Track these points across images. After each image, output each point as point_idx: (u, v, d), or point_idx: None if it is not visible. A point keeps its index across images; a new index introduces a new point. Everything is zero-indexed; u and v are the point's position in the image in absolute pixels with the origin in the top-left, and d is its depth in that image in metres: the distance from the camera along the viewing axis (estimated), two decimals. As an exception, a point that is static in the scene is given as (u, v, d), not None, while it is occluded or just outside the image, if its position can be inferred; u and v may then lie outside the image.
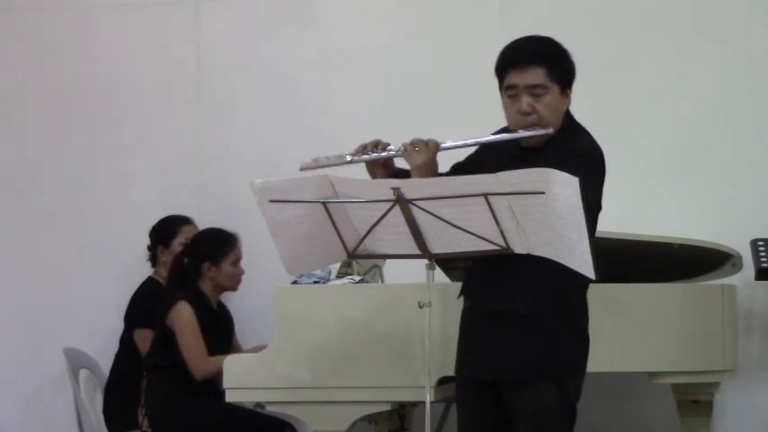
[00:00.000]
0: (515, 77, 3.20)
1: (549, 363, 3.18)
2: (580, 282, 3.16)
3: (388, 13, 5.54)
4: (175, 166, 5.62)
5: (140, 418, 4.77)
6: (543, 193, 2.88)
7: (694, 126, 5.18)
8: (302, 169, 3.31)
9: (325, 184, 3.16)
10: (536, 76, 3.19)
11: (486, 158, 3.30)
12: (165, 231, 5.22)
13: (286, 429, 4.61)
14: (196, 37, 5.68)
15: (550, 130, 3.19)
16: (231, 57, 5.63)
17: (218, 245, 4.79)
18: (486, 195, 2.96)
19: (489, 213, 2.99)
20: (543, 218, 2.94)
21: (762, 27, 5.16)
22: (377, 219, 3.13)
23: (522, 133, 3.22)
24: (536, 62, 3.20)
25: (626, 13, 5.28)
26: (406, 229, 3.11)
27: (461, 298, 3.36)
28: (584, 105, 5.11)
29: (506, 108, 3.26)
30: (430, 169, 3.24)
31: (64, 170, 5.72)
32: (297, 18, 5.58)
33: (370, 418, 4.38)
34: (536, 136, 3.21)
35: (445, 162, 3.37)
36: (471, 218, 3.02)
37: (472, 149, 3.42)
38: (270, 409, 4.20)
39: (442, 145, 3.27)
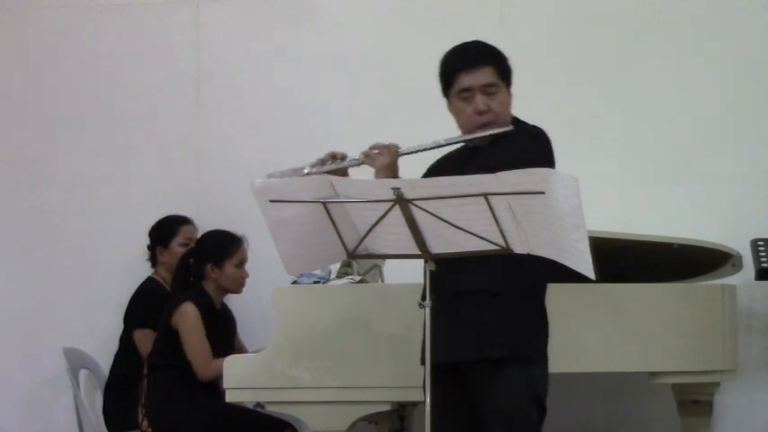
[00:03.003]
0: (468, 79, 3.33)
1: (513, 342, 3.22)
2: (543, 267, 3.20)
3: (387, 14, 5.54)
4: (175, 166, 5.62)
5: (140, 417, 4.77)
6: (543, 193, 2.88)
7: (695, 126, 5.19)
8: (255, 186, 3.26)
9: (325, 184, 3.16)
10: (487, 75, 3.33)
11: (443, 162, 3.45)
12: (163, 232, 5.21)
13: (286, 429, 4.61)
14: (196, 37, 5.68)
15: (510, 128, 3.30)
16: (231, 57, 5.63)
17: (222, 246, 4.78)
18: (486, 195, 2.96)
19: (489, 213, 2.99)
20: (543, 218, 2.94)
21: (763, 27, 5.17)
22: (377, 219, 3.13)
23: (479, 133, 3.33)
24: (485, 62, 3.34)
25: (626, 13, 5.28)
26: (406, 229, 3.11)
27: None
28: (585, 105, 5.16)
29: (460, 111, 3.37)
30: (392, 170, 3.36)
31: (64, 170, 5.72)
32: (296, 18, 5.58)
33: (370, 418, 4.38)
34: (496, 134, 3.29)
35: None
36: (471, 218, 3.02)
37: (434, 156, 3.51)
38: (270, 409, 4.20)
39: (401, 150, 3.37)
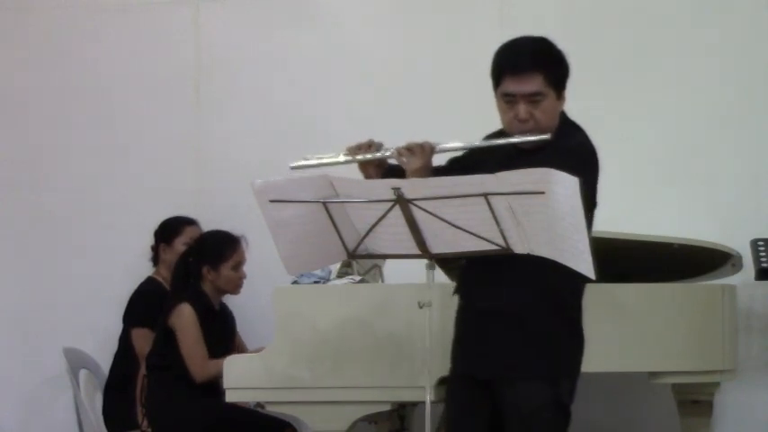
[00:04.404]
0: (513, 86, 3.17)
1: (543, 361, 3.19)
2: (576, 281, 3.16)
3: (387, 13, 5.54)
4: (175, 166, 5.62)
5: (140, 418, 4.77)
6: (543, 193, 2.88)
7: (695, 126, 5.18)
8: (293, 168, 3.31)
9: (326, 184, 3.16)
10: (534, 84, 3.16)
11: (485, 157, 3.29)
12: (168, 230, 5.21)
13: (286, 429, 4.61)
14: (196, 37, 5.68)
15: (548, 136, 3.17)
16: (231, 56, 5.63)
17: (219, 248, 4.77)
18: (486, 195, 2.96)
19: (489, 213, 2.99)
20: (543, 218, 2.94)
21: (762, 27, 5.16)
22: (377, 219, 3.13)
23: (519, 138, 3.20)
24: (534, 69, 3.16)
25: (626, 12, 5.28)
26: (406, 229, 3.11)
27: (456, 296, 3.37)
28: (585, 105, 5.10)
29: (503, 112, 3.24)
30: (426, 173, 3.24)
31: (64, 170, 5.72)
32: (296, 18, 5.58)
33: (370, 418, 4.38)
34: (534, 142, 3.19)
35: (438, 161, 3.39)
36: (471, 218, 3.02)
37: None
38: (270, 409, 4.20)
39: (438, 147, 3.27)
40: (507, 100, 3.20)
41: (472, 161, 3.33)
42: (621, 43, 5.26)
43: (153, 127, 5.66)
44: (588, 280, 3.02)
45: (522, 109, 3.17)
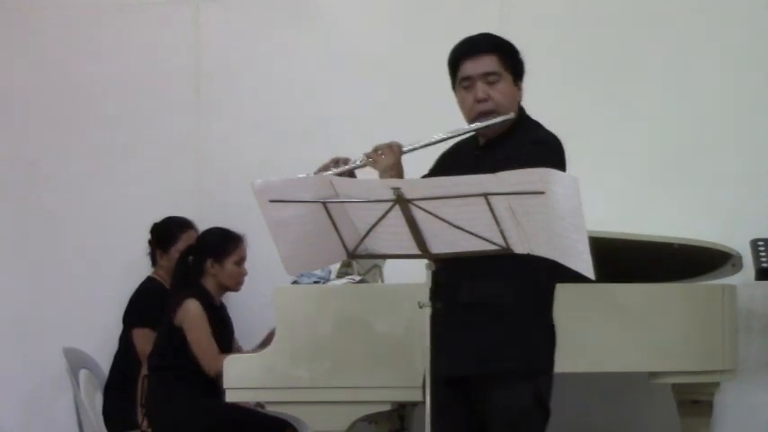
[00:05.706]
0: (470, 68, 3.32)
1: (524, 359, 3.22)
2: (552, 278, 3.23)
3: (387, 14, 5.55)
4: (175, 166, 5.62)
5: (140, 418, 4.77)
6: (543, 192, 2.88)
7: (695, 126, 5.19)
8: (255, 186, 3.27)
9: (325, 184, 3.16)
10: (490, 63, 3.31)
11: (450, 166, 3.36)
12: (165, 235, 5.19)
13: (286, 429, 4.61)
14: (196, 37, 5.68)
15: (511, 115, 3.28)
16: (231, 56, 5.63)
17: (223, 243, 4.79)
18: (486, 195, 2.96)
19: (489, 213, 2.99)
20: (543, 218, 2.94)
21: (763, 26, 5.16)
22: (377, 219, 3.12)
23: (480, 123, 3.30)
24: (489, 50, 3.33)
25: (626, 13, 5.28)
26: (406, 229, 3.11)
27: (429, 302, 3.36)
28: (585, 105, 5.16)
29: (462, 101, 3.36)
30: (397, 171, 3.31)
31: (64, 170, 5.72)
32: (296, 18, 5.58)
33: (370, 418, 4.38)
34: (496, 123, 3.27)
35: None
36: (471, 218, 3.02)
37: (437, 153, 3.48)
38: (270, 409, 4.20)
39: (404, 148, 3.33)
40: (465, 85, 3.33)
41: (439, 172, 3.40)
42: (621, 43, 5.26)
43: (153, 127, 5.66)
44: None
45: (480, 88, 3.30)
